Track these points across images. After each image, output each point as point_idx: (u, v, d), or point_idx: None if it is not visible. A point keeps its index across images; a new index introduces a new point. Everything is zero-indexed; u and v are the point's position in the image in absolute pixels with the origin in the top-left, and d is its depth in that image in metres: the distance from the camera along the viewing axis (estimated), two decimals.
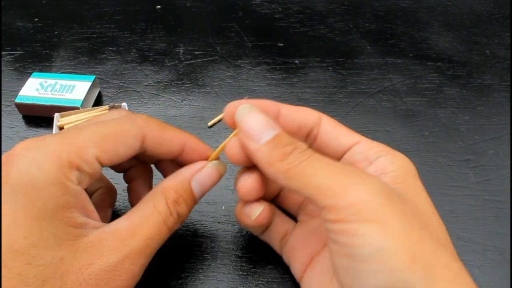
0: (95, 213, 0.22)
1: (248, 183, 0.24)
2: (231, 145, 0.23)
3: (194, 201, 0.25)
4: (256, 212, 0.24)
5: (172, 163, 0.27)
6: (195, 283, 0.28)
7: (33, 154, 0.19)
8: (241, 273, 0.29)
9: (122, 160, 0.22)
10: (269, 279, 0.28)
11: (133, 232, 0.21)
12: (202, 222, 0.31)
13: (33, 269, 0.17)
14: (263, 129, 0.22)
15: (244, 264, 0.29)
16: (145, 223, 0.22)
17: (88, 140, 0.20)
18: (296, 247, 0.27)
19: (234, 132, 0.24)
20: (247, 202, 0.25)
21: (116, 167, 0.27)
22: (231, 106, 0.23)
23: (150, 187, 0.28)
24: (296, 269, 0.26)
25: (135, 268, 0.21)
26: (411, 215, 0.19)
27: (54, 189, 0.19)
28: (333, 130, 0.25)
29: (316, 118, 0.25)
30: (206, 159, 0.26)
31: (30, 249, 0.18)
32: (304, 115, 0.25)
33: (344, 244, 0.19)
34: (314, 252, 0.26)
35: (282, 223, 0.27)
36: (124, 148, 0.22)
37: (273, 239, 0.28)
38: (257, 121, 0.22)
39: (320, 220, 0.26)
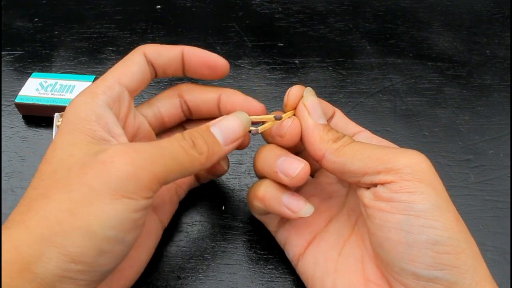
0: (121, 136, 0.23)
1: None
2: (295, 123, 0.25)
3: (216, 143, 0.24)
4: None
5: None
6: (195, 283, 0.28)
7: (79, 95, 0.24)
8: (241, 273, 0.29)
9: (138, 83, 0.26)
10: (269, 279, 0.28)
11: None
12: (202, 222, 0.31)
13: (48, 166, 0.21)
14: (321, 113, 0.25)
15: (244, 264, 0.29)
16: (159, 143, 0.22)
17: (111, 75, 0.25)
18: (299, 223, 0.27)
19: (289, 112, 0.26)
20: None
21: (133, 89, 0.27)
22: (295, 89, 0.26)
23: None
24: (295, 246, 0.27)
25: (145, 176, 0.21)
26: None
27: (81, 109, 0.23)
28: (342, 120, 0.29)
29: (332, 110, 0.29)
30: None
31: (51, 152, 0.22)
32: (324, 105, 0.28)
33: (401, 200, 0.21)
34: (317, 230, 0.27)
35: None
36: (131, 68, 0.26)
37: (272, 217, 0.28)
38: (318, 104, 0.26)
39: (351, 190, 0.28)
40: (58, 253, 0.19)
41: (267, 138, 0.27)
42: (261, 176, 0.27)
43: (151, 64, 0.27)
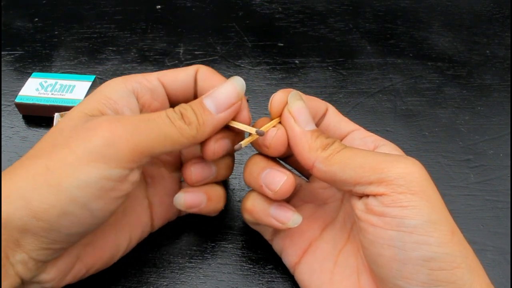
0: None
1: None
2: (280, 133, 0.24)
3: (207, 113, 0.23)
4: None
5: None
6: (195, 283, 0.28)
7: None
8: (241, 273, 0.29)
9: (178, 88, 0.26)
10: (269, 279, 0.28)
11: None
12: (202, 222, 0.31)
13: (51, 130, 0.23)
14: (309, 118, 0.24)
15: (244, 264, 0.29)
16: (147, 116, 0.23)
17: (157, 72, 0.26)
18: (293, 232, 0.27)
19: (274, 120, 0.25)
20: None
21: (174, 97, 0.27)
22: (278, 96, 0.24)
23: None
24: (291, 255, 0.27)
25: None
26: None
27: (105, 86, 0.24)
28: (336, 118, 0.27)
29: (324, 106, 0.27)
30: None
31: (63, 122, 0.23)
32: (315, 103, 0.26)
33: (394, 216, 0.20)
34: (312, 237, 0.26)
35: None
36: (178, 74, 0.27)
37: (266, 227, 0.28)
38: (305, 109, 0.24)
39: (342, 201, 0.27)
40: (22, 207, 0.19)
41: (255, 146, 0.26)
42: (252, 188, 0.26)
43: (195, 81, 0.27)
